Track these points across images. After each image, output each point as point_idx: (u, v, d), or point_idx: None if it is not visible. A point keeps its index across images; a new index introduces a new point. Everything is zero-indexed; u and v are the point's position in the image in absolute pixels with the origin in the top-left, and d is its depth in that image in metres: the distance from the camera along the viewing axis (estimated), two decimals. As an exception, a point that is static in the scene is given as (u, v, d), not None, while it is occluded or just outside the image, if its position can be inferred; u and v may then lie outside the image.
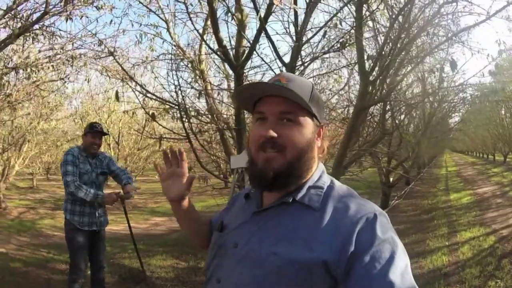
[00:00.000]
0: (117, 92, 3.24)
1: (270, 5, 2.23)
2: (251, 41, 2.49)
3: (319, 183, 0.88)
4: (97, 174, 3.22)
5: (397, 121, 7.08)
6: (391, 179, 8.91)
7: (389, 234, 0.77)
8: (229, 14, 2.50)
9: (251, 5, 2.47)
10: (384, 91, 4.05)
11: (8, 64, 5.27)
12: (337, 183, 0.91)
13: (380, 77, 3.69)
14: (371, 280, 0.71)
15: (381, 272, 0.71)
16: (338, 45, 2.76)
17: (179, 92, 3.10)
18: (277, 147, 0.83)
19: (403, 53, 3.94)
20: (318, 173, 0.90)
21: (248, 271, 0.81)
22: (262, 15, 2.36)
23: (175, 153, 1.02)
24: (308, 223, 0.81)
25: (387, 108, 6.02)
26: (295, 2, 2.28)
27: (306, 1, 2.25)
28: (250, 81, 3.53)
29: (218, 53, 2.64)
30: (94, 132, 3.12)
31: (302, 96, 0.82)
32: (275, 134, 0.82)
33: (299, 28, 2.36)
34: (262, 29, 2.28)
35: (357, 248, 0.74)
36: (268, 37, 2.31)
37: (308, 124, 0.87)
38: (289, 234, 0.80)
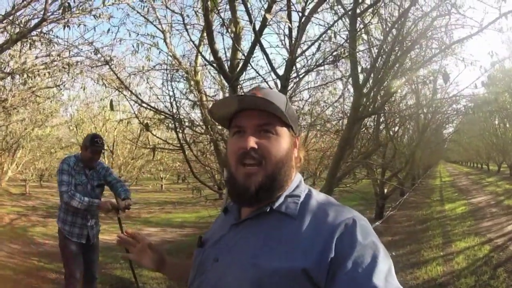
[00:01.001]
0: (111, 102, 3.22)
1: (265, 19, 2.25)
2: (246, 54, 2.51)
3: (296, 192, 0.88)
4: (93, 187, 3.14)
5: (391, 133, 7.13)
6: (385, 190, 8.93)
7: (370, 239, 0.76)
8: (225, 26, 2.52)
9: (247, 17, 2.49)
10: (378, 103, 4.09)
11: (4, 69, 5.27)
12: (314, 191, 0.91)
13: (374, 89, 3.73)
14: (355, 286, 0.70)
15: (364, 277, 0.70)
16: (332, 58, 2.79)
17: (174, 102, 3.10)
18: (256, 158, 0.84)
19: (396, 66, 3.99)
20: (295, 182, 0.91)
21: (230, 284, 0.80)
22: (257, 28, 2.38)
23: (127, 236, 1.14)
24: (287, 232, 0.81)
25: (381, 120, 6.08)
26: (289, 17, 2.31)
27: (299, 16, 2.28)
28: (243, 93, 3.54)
29: (213, 64, 2.65)
30: (95, 148, 3.04)
31: (280, 107, 0.84)
32: (255, 145, 0.83)
33: (293, 41, 2.39)
34: (256, 41, 2.30)
35: (338, 255, 0.73)
36: (263, 49, 2.33)
37: (286, 135, 0.88)
38: (268, 244, 0.80)
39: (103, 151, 3.18)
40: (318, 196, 0.88)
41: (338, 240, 0.75)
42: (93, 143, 3.00)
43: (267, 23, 2.39)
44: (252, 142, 0.83)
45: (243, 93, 0.95)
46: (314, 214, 0.82)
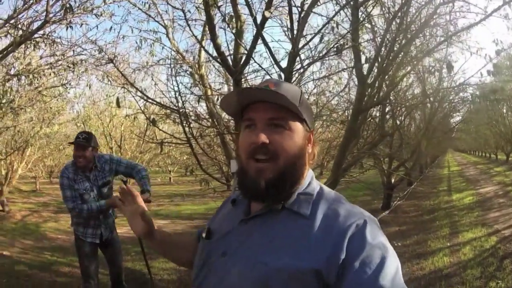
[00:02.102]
0: (118, 99, 3.24)
1: (266, 11, 2.26)
2: (248, 48, 2.52)
3: (308, 190, 0.87)
4: (98, 188, 3.02)
5: (397, 122, 7.09)
6: (392, 180, 8.91)
7: (379, 240, 0.76)
8: (226, 22, 2.53)
9: (248, 10, 2.50)
10: (382, 93, 4.07)
11: (10, 71, 5.34)
12: (326, 189, 0.90)
13: (379, 79, 3.71)
14: (362, 286, 0.71)
15: (371, 278, 0.71)
16: (336, 49, 2.78)
17: (180, 97, 3.11)
18: (269, 153, 0.81)
19: (401, 55, 3.96)
20: (307, 179, 0.89)
21: (237, 281, 0.79)
22: (259, 20, 2.39)
23: (126, 192, 1.11)
24: (298, 231, 0.79)
25: (387, 110, 6.05)
26: (290, 13, 2.31)
27: (298, 10, 2.27)
28: (248, 86, 3.55)
29: (217, 59, 2.67)
30: (77, 143, 2.85)
31: (293, 101, 0.81)
32: (267, 140, 0.81)
33: (295, 34, 2.39)
34: (258, 35, 2.31)
35: (347, 255, 0.73)
36: (265, 43, 2.34)
37: (299, 130, 0.85)
38: (278, 243, 0.79)
39: (91, 147, 2.91)
40: (329, 195, 0.87)
41: (349, 240, 0.75)
42: (75, 139, 2.85)
43: (268, 16, 2.40)
44: (263, 137, 0.81)
45: (256, 85, 0.90)
46: (326, 214, 0.81)
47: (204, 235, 0.96)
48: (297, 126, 0.85)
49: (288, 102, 0.81)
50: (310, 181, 0.89)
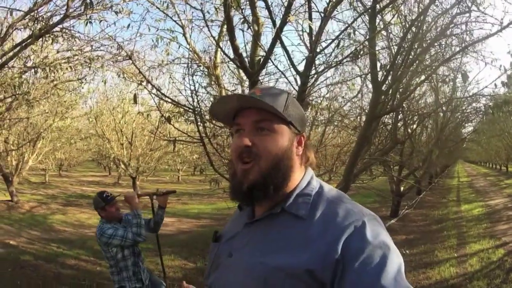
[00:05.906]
0: (135, 95, 3.28)
1: (285, 16, 2.27)
2: (266, 49, 2.54)
3: (307, 190, 0.89)
4: None
5: (409, 130, 7.05)
6: (401, 188, 8.85)
7: (380, 239, 0.76)
8: (245, 24, 2.55)
9: (266, 12, 2.52)
10: (396, 100, 4.06)
11: (26, 63, 5.44)
12: (326, 187, 0.91)
13: (393, 87, 3.71)
14: (363, 286, 0.71)
15: (372, 278, 0.71)
16: (352, 56, 2.78)
17: (195, 96, 3.14)
18: (252, 156, 0.85)
19: (416, 63, 3.95)
20: (306, 179, 0.91)
21: (240, 280, 0.84)
22: (277, 24, 2.41)
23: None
24: (295, 232, 0.82)
25: (399, 117, 6.03)
26: (310, 17, 2.32)
27: (321, 15, 2.29)
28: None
29: (235, 61, 2.68)
30: (113, 201, 3.04)
31: (273, 105, 0.85)
32: (249, 143, 0.85)
33: (313, 39, 2.41)
34: (277, 38, 2.33)
35: (345, 256, 0.74)
36: (283, 46, 2.36)
37: (284, 132, 0.88)
38: (276, 244, 0.82)
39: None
40: (330, 194, 0.88)
41: (346, 241, 0.75)
42: (107, 199, 3.01)
43: (288, 20, 2.41)
44: (246, 140, 0.85)
45: (249, 93, 0.94)
46: (324, 214, 0.82)
47: (212, 238, 1.03)
48: (282, 129, 0.88)
49: (269, 106, 0.84)
50: (309, 181, 0.91)
